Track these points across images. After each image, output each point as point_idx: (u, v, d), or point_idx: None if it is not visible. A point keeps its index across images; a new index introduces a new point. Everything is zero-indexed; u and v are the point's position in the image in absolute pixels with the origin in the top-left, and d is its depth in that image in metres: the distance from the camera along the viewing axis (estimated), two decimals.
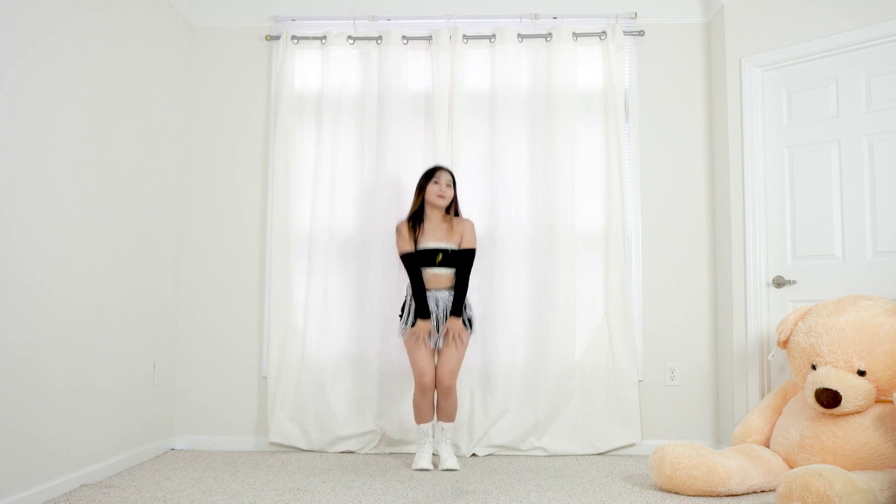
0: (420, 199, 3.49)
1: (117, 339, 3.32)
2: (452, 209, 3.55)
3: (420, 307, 3.38)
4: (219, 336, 3.99)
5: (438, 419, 3.44)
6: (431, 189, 3.44)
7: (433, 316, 3.41)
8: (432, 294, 3.43)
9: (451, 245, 3.44)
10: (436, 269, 3.42)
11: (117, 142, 3.32)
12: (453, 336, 3.37)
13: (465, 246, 3.45)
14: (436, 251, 3.41)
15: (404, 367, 3.71)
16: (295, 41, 4.02)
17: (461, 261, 3.43)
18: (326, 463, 3.53)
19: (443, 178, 3.47)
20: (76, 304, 2.98)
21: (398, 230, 3.50)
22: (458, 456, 3.65)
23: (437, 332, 3.42)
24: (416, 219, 3.47)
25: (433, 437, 3.46)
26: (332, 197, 3.95)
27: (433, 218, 3.49)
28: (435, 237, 3.44)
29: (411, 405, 3.53)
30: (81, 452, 3.02)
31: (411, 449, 3.73)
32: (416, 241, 3.43)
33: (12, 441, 2.58)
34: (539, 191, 3.90)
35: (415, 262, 3.42)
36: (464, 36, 3.97)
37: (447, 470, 3.32)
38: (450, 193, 3.47)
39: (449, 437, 3.44)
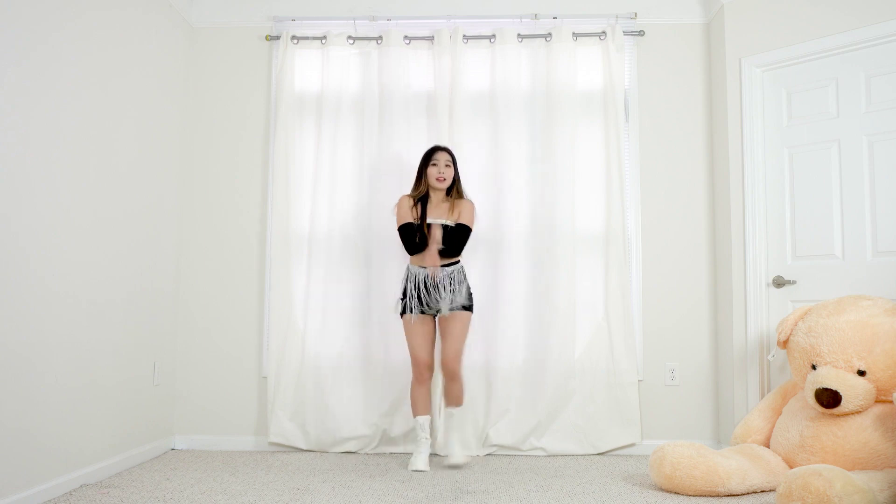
0: (422, 182, 3.51)
1: (117, 338, 3.32)
2: (454, 190, 3.54)
3: (413, 299, 3.42)
4: (219, 336, 3.99)
5: (446, 405, 3.45)
6: (431, 172, 3.48)
7: (430, 293, 3.40)
8: (425, 271, 3.43)
9: (449, 221, 3.45)
10: (433, 247, 3.41)
11: (118, 142, 3.32)
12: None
13: (461, 221, 3.46)
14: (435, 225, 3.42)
15: (405, 366, 3.70)
16: (295, 41, 4.02)
17: (455, 233, 3.43)
18: (326, 463, 3.53)
19: (441, 159, 3.48)
20: (76, 303, 2.98)
21: (399, 204, 3.51)
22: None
23: (429, 307, 3.41)
24: (420, 199, 3.51)
25: (431, 434, 3.45)
26: (333, 197, 3.95)
27: (434, 199, 3.52)
28: (434, 215, 3.46)
29: (411, 407, 3.52)
30: (81, 452, 3.02)
31: (412, 449, 3.72)
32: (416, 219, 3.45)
33: (12, 441, 2.58)
34: (539, 191, 3.90)
35: (413, 233, 3.41)
36: (464, 36, 3.97)
37: (452, 466, 3.31)
38: (449, 174, 3.48)
39: (457, 424, 3.43)
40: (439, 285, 3.39)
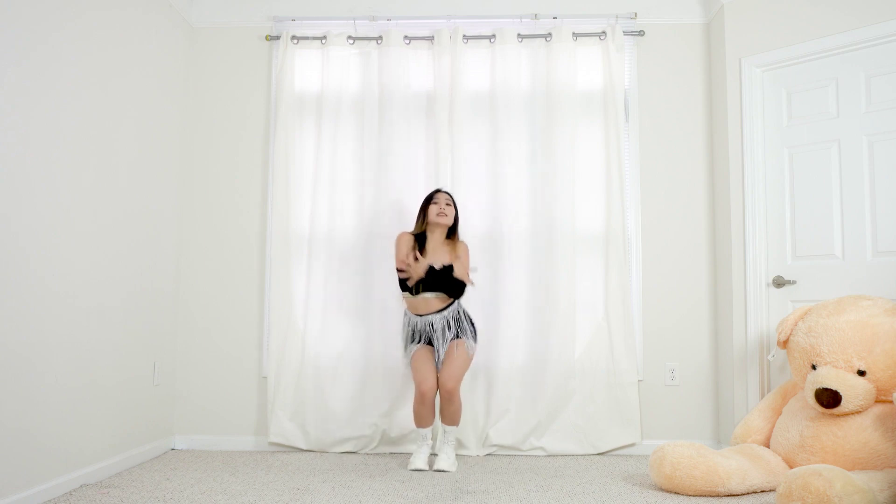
0: (423, 222, 3.53)
1: (118, 339, 3.32)
2: (454, 233, 3.56)
3: (414, 337, 3.46)
4: (219, 336, 3.99)
5: (442, 422, 3.45)
6: (432, 209, 3.49)
7: (432, 338, 3.43)
8: (425, 319, 3.43)
9: (445, 263, 3.45)
10: (425, 294, 3.41)
11: (118, 142, 3.32)
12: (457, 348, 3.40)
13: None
14: (430, 269, 3.40)
15: (404, 366, 3.72)
16: (295, 41, 4.02)
17: (457, 284, 3.43)
18: (326, 463, 3.53)
19: (441, 198, 3.51)
20: (77, 304, 2.98)
21: (399, 240, 3.51)
22: (464, 455, 3.68)
23: (437, 353, 3.42)
24: (419, 238, 3.50)
25: (433, 438, 3.46)
26: (333, 197, 3.95)
27: (433, 240, 3.51)
28: (434, 257, 3.46)
29: (411, 407, 3.53)
30: (81, 452, 3.02)
31: (411, 449, 3.72)
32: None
33: (12, 441, 2.58)
34: (539, 191, 3.90)
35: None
36: (464, 36, 3.97)
37: (438, 470, 3.31)
38: (450, 212, 3.50)
39: (452, 439, 3.45)
40: (437, 332, 3.41)
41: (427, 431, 3.43)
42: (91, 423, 3.10)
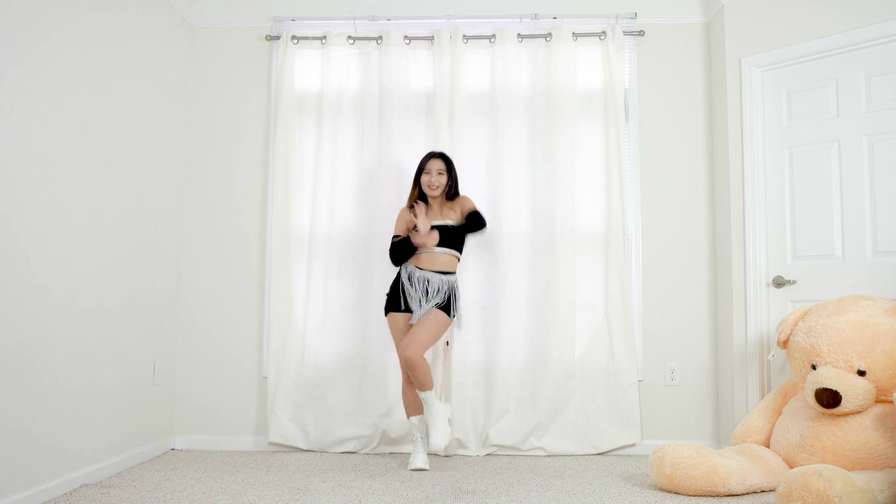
0: (417, 189, 3.53)
1: (117, 339, 3.32)
2: (452, 194, 3.53)
3: (401, 298, 3.42)
4: (219, 336, 3.99)
5: (416, 389, 3.37)
6: (423, 180, 3.49)
7: (417, 295, 3.39)
8: (423, 273, 3.41)
9: (448, 221, 3.45)
10: (435, 248, 3.41)
11: (118, 142, 3.32)
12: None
13: (468, 211, 3.49)
14: (433, 227, 3.42)
15: None
16: (295, 41, 4.02)
17: (470, 220, 3.45)
18: (326, 463, 3.53)
19: (434, 167, 3.48)
20: (77, 304, 2.98)
21: (399, 215, 3.55)
22: (464, 455, 3.68)
23: (419, 309, 3.38)
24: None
25: (422, 437, 3.44)
26: (333, 197, 3.95)
27: (433, 203, 3.52)
28: (433, 217, 3.47)
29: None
30: (81, 452, 3.02)
31: (411, 449, 3.72)
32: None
33: (12, 441, 2.58)
34: (539, 191, 3.90)
35: (402, 246, 3.41)
36: (464, 36, 3.97)
37: (433, 453, 3.28)
38: (440, 182, 3.47)
39: (434, 410, 3.32)
40: (429, 293, 3.37)
41: (417, 421, 3.42)
42: (91, 423, 3.10)
